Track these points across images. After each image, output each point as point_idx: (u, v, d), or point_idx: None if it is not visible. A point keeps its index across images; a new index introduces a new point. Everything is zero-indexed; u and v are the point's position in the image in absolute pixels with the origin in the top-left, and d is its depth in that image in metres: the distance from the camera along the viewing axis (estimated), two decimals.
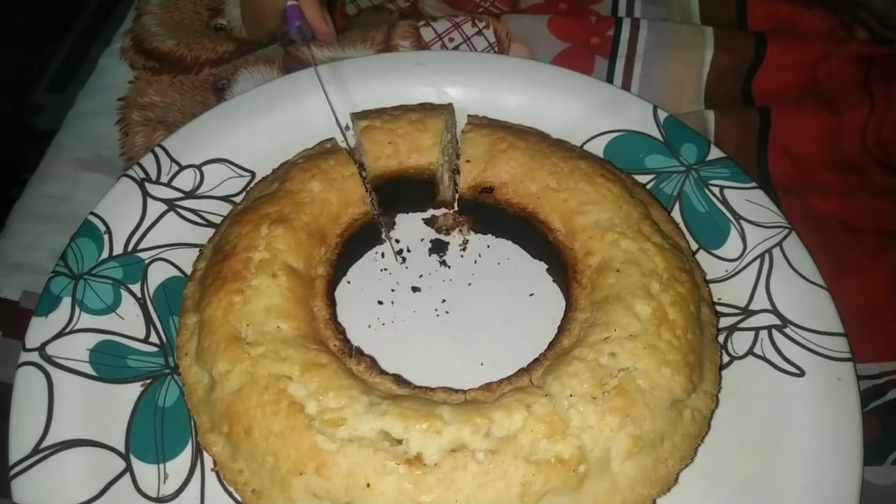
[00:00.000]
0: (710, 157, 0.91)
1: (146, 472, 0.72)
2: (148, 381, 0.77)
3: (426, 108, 0.88)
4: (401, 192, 0.86)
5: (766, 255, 0.84)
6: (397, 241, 0.89)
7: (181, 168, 0.90)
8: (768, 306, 0.81)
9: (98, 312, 0.80)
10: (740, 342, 0.80)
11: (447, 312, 0.83)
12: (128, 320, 0.81)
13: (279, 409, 0.63)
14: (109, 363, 0.77)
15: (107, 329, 0.79)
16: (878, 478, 0.76)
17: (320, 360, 0.67)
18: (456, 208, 0.90)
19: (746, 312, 0.82)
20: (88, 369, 0.76)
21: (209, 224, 0.88)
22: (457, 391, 0.70)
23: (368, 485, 0.61)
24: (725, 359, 0.78)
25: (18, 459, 0.70)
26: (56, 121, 1.07)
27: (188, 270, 0.83)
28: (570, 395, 0.64)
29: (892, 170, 0.95)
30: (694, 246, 0.86)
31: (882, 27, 1.08)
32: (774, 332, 0.80)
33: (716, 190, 0.89)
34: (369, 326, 0.82)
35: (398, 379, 0.71)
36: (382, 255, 0.88)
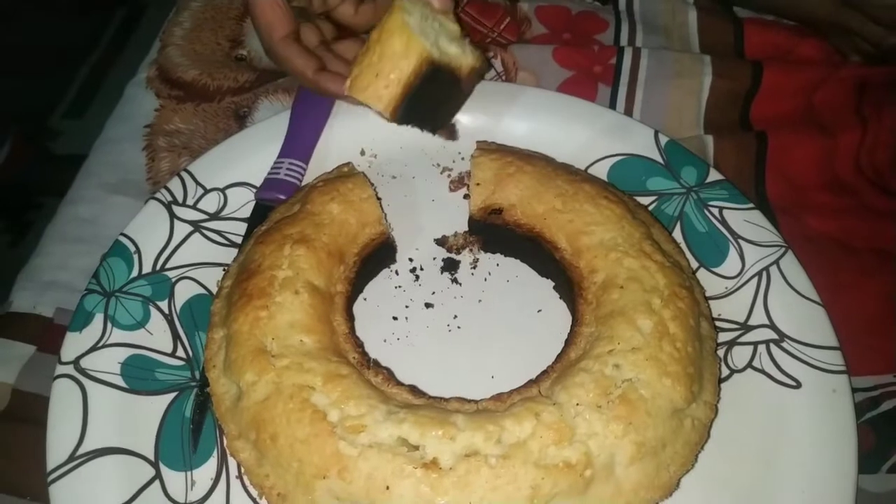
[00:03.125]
0: (709, 180, 0.94)
1: (174, 479, 0.76)
2: (175, 393, 0.81)
3: None
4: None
5: (764, 273, 0.87)
6: (410, 260, 0.92)
7: (206, 191, 0.94)
8: (766, 321, 0.84)
9: (128, 328, 0.84)
10: (740, 356, 0.83)
11: (459, 328, 0.86)
12: (156, 335, 0.84)
13: (303, 416, 0.67)
14: (139, 376, 0.81)
15: (137, 343, 0.83)
16: (874, 486, 0.79)
17: (341, 372, 0.70)
18: (467, 229, 0.94)
19: (745, 327, 0.85)
20: (120, 381, 0.80)
21: (232, 244, 0.92)
22: (469, 401, 0.73)
23: (388, 487, 0.64)
24: (725, 372, 0.81)
25: (55, 466, 0.74)
26: (73, 145, 1.11)
27: (213, 288, 0.87)
28: (577, 404, 0.67)
29: (884, 191, 0.98)
30: (694, 264, 0.89)
31: (877, 51, 1.10)
32: (772, 346, 0.83)
33: (715, 211, 0.92)
34: (385, 341, 0.85)
35: (414, 389, 0.74)
36: (397, 273, 0.91)
